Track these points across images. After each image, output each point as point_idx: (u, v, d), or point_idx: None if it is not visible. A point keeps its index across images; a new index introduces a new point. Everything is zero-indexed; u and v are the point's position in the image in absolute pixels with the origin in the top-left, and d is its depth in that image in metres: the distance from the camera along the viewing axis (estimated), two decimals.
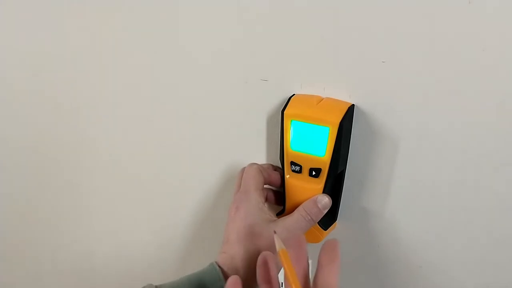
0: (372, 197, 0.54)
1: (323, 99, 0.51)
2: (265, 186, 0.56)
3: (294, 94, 0.53)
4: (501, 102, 0.43)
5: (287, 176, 0.53)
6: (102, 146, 0.71)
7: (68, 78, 0.68)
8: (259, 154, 0.59)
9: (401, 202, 0.53)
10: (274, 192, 0.57)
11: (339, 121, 0.48)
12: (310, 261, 0.59)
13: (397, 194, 0.53)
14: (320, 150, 0.50)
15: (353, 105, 0.51)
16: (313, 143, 0.50)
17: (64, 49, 0.66)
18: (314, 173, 0.51)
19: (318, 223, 0.53)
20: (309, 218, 0.51)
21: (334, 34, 0.48)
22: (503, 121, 0.44)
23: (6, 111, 0.77)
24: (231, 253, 0.50)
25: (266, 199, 0.56)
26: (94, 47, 0.64)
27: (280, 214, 0.55)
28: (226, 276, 0.48)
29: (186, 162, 0.66)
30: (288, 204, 0.54)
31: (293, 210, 0.52)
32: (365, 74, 0.48)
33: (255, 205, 0.51)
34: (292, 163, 0.52)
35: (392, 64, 0.46)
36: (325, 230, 0.54)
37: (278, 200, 0.56)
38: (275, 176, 0.55)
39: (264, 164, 0.56)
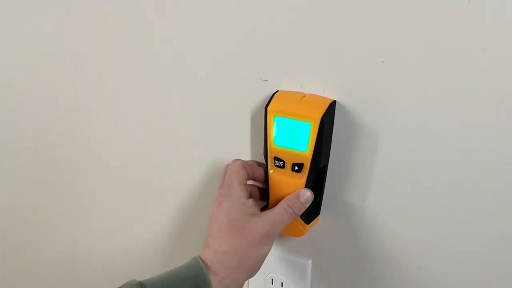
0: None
1: (306, 95, 0.52)
2: (249, 182, 0.57)
3: (278, 91, 0.54)
4: (501, 102, 0.44)
5: (270, 171, 0.54)
6: (100, 146, 0.72)
7: (68, 79, 0.70)
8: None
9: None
10: (259, 188, 0.58)
11: (321, 116, 0.50)
12: (309, 261, 0.60)
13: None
14: (302, 145, 0.51)
15: (335, 101, 0.52)
16: (296, 139, 0.51)
17: (64, 49, 0.68)
18: (296, 168, 0.52)
19: (300, 217, 0.54)
20: (291, 211, 0.52)
21: (334, 34, 0.49)
22: (503, 121, 0.44)
23: (6, 111, 0.79)
24: (214, 247, 0.51)
25: (251, 195, 0.57)
26: (93, 47, 0.66)
27: (264, 209, 0.56)
28: (209, 270, 0.49)
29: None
30: (272, 198, 0.55)
31: (276, 205, 0.53)
32: (365, 74, 0.49)
33: (238, 200, 0.52)
34: (276, 159, 0.53)
35: (392, 64, 0.47)
36: (308, 224, 0.55)
37: (263, 196, 0.57)
38: (259, 172, 0.56)
39: (248, 161, 0.58)
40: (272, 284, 0.63)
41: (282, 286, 0.62)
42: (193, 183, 0.66)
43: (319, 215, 0.57)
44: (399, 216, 0.54)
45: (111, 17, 0.62)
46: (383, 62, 0.47)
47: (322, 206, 0.57)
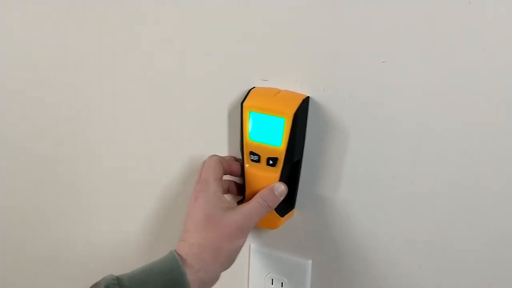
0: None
1: (280, 91, 0.54)
2: (227, 177, 0.58)
3: (254, 87, 0.56)
4: (501, 102, 0.44)
5: (246, 166, 0.56)
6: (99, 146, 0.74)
7: (67, 79, 0.72)
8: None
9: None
10: (236, 183, 0.60)
11: (294, 112, 0.51)
12: (309, 261, 0.60)
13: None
14: (276, 140, 0.53)
15: (308, 97, 0.53)
16: (270, 134, 0.53)
17: (64, 49, 0.70)
18: (271, 162, 0.54)
19: (275, 210, 0.55)
20: (266, 204, 0.53)
21: (334, 34, 0.50)
22: (503, 121, 0.45)
23: (6, 111, 0.82)
24: (190, 241, 0.52)
25: (228, 190, 0.59)
26: (92, 47, 0.68)
27: (241, 203, 0.57)
28: (184, 263, 0.50)
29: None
30: (248, 192, 0.56)
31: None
32: (365, 74, 0.50)
33: (213, 194, 0.53)
34: (251, 153, 0.55)
35: (392, 64, 0.48)
36: (282, 216, 0.56)
37: (240, 190, 0.59)
38: (236, 167, 0.58)
39: (226, 156, 0.59)
40: (272, 284, 0.63)
41: (282, 286, 0.63)
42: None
43: (294, 209, 0.59)
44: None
45: (111, 17, 0.64)
46: (383, 62, 0.48)
47: (297, 200, 0.58)
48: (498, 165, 0.46)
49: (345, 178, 0.55)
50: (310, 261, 0.61)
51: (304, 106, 0.53)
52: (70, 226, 0.83)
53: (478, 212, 0.49)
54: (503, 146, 0.45)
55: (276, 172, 0.54)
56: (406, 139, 0.50)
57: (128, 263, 0.78)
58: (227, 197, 0.57)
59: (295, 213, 0.59)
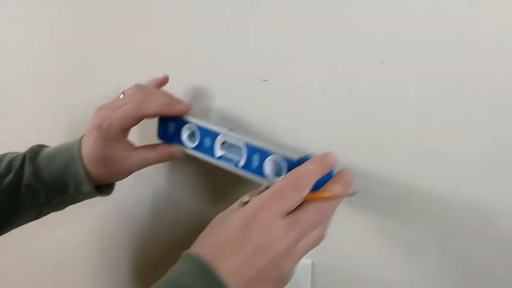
0: None
1: None
2: None
3: None
4: (501, 102, 0.44)
5: None
6: None
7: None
8: None
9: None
10: None
11: None
12: (310, 261, 0.58)
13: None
14: None
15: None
16: None
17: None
18: None
19: None
20: None
21: (334, 33, 0.50)
22: (503, 121, 0.44)
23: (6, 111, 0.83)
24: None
25: None
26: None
27: None
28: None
29: None
30: None
31: None
32: (365, 74, 0.49)
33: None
34: None
35: (392, 64, 0.47)
36: None
37: None
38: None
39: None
40: None
41: None
42: None
43: None
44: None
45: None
46: (383, 62, 0.48)
47: None
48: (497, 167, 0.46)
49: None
50: (311, 261, 0.60)
51: None
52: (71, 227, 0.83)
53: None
54: (503, 146, 0.45)
55: None
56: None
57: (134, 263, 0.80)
58: None
59: None
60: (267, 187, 0.48)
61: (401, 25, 0.46)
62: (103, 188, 0.59)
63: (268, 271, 0.39)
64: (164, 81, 0.59)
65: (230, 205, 0.44)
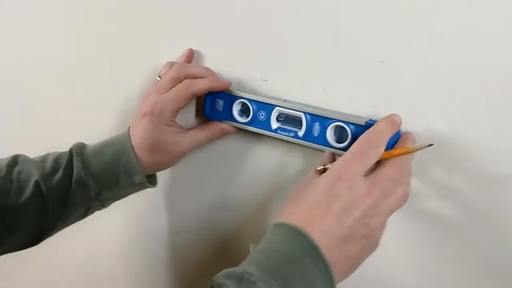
0: None
1: None
2: None
3: None
4: (501, 102, 0.43)
5: None
6: None
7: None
8: None
9: None
10: None
11: None
12: None
13: None
14: None
15: None
16: None
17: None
18: None
19: None
20: None
21: (334, 33, 0.50)
22: (503, 121, 0.44)
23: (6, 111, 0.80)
24: None
25: None
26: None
27: None
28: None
29: None
30: None
31: None
32: (365, 74, 0.49)
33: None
34: None
35: (392, 64, 0.47)
36: None
37: None
38: None
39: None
40: None
41: None
42: None
43: None
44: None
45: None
46: (383, 62, 0.48)
47: None
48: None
49: None
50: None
51: None
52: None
53: None
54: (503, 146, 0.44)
55: None
56: None
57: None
58: None
59: None
60: (332, 154, 0.49)
61: (401, 25, 0.46)
62: (151, 178, 0.59)
63: (356, 229, 0.41)
64: (190, 55, 0.58)
65: None
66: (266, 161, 0.58)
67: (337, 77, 0.51)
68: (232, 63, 0.57)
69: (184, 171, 0.65)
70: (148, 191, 0.59)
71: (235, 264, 0.41)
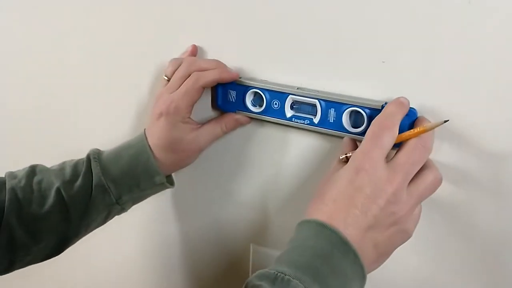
0: None
1: None
2: None
3: None
4: (501, 102, 0.43)
5: None
6: None
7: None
8: None
9: None
10: None
11: None
12: None
13: None
14: None
15: None
16: None
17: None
18: None
19: None
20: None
21: (333, 33, 0.49)
22: (503, 121, 0.44)
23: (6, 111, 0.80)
24: None
25: None
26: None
27: None
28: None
29: None
30: None
31: None
32: (365, 74, 0.49)
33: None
34: None
35: (391, 64, 0.47)
36: None
37: None
38: None
39: None
40: None
41: None
42: None
43: None
44: None
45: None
46: (383, 62, 0.48)
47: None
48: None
49: None
50: None
51: None
52: None
53: None
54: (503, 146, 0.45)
55: None
56: None
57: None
58: None
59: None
60: (352, 140, 0.50)
61: (400, 25, 0.46)
62: (168, 178, 0.59)
63: (382, 218, 0.41)
64: (194, 50, 0.58)
65: None
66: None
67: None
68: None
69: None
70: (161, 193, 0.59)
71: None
